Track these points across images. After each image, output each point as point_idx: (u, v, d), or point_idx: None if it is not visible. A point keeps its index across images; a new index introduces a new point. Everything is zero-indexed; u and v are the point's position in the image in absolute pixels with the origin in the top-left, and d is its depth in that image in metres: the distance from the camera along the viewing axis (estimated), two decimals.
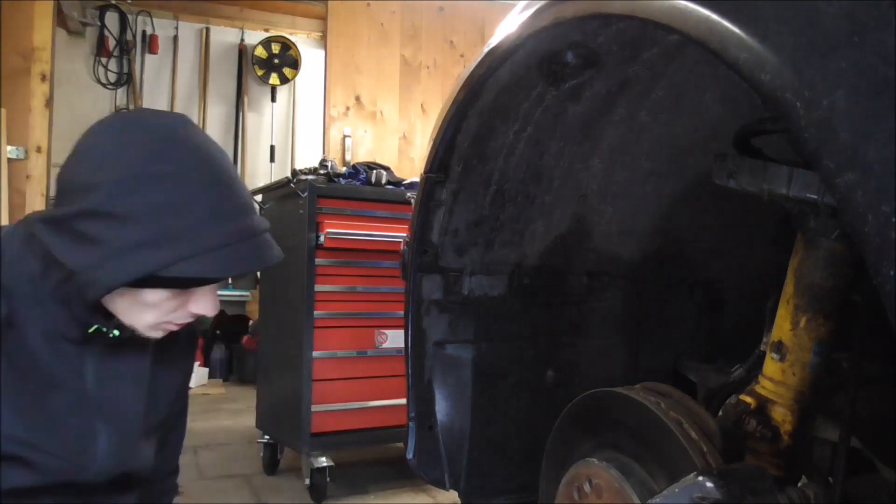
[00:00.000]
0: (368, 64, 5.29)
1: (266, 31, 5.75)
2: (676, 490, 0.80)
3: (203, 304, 0.93)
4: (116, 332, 0.95)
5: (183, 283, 0.88)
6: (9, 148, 3.41)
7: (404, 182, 2.74)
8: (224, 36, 5.70)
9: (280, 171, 5.50)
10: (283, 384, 2.63)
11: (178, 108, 5.48)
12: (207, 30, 5.62)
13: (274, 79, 5.67)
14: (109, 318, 0.93)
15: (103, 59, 5.30)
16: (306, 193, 2.42)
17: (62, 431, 0.96)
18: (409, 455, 1.29)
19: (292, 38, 5.73)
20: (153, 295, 0.88)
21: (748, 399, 0.95)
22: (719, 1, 0.63)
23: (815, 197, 0.80)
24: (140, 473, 1.09)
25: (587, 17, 0.85)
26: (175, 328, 0.96)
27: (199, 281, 0.89)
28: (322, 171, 2.59)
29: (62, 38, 4.92)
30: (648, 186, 1.30)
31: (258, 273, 4.63)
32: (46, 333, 0.93)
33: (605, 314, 1.40)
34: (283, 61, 5.67)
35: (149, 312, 0.90)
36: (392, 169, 2.88)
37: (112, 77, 5.32)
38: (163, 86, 5.48)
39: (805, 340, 0.90)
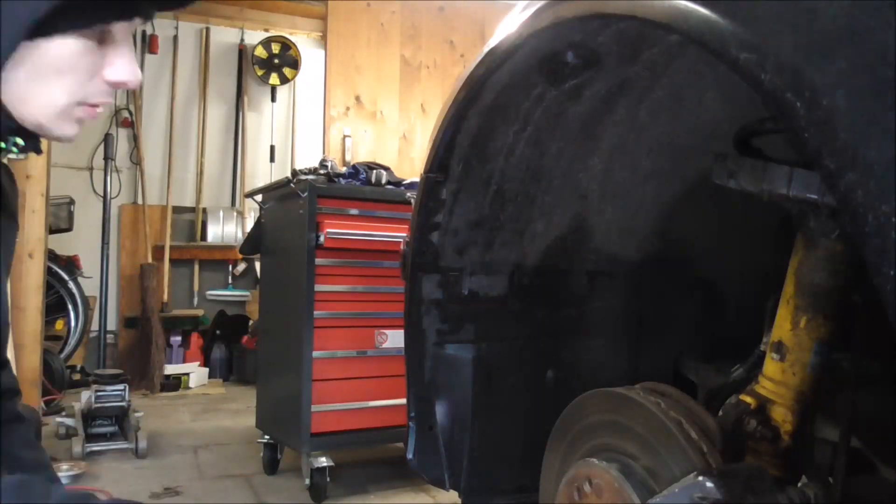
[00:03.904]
0: (368, 64, 5.29)
1: (266, 31, 5.75)
2: (676, 490, 0.80)
3: (121, 65, 0.77)
4: (19, 142, 0.78)
5: (98, 16, 0.73)
6: None
7: (404, 182, 2.74)
8: (224, 36, 5.70)
9: (280, 171, 5.50)
10: (283, 384, 2.63)
11: (178, 108, 5.49)
12: (207, 30, 5.61)
13: (274, 79, 5.67)
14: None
15: None
16: (306, 193, 2.42)
17: None
18: (409, 455, 1.29)
19: (292, 38, 5.73)
20: (62, 46, 0.72)
21: (748, 399, 0.95)
22: (719, 1, 0.63)
23: (815, 197, 0.80)
24: None
25: (587, 17, 0.85)
26: (89, 114, 0.79)
27: (116, 9, 0.74)
28: (322, 171, 2.59)
29: None
30: (648, 186, 1.30)
31: (258, 272, 4.64)
32: None
33: (605, 314, 1.40)
34: (283, 61, 5.67)
35: (57, 83, 0.74)
36: (392, 169, 2.87)
37: None
38: (163, 86, 5.48)
39: (805, 340, 0.90)
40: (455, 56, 5.55)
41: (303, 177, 2.51)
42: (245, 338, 5.01)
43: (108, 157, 5.14)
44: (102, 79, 0.77)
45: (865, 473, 1.00)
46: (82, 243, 4.85)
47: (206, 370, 4.95)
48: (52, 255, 3.97)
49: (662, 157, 1.25)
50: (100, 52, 0.76)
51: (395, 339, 2.57)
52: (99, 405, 3.03)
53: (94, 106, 0.79)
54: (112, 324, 5.11)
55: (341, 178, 2.62)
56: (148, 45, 5.42)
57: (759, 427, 0.91)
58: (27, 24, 0.68)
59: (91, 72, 0.76)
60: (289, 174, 2.57)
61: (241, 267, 5.48)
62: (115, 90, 0.81)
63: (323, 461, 2.41)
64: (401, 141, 5.41)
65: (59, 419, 3.25)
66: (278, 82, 5.69)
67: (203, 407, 4.16)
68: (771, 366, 0.93)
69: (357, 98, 5.30)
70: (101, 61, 0.76)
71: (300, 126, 5.84)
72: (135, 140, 5.33)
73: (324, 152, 5.12)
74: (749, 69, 0.59)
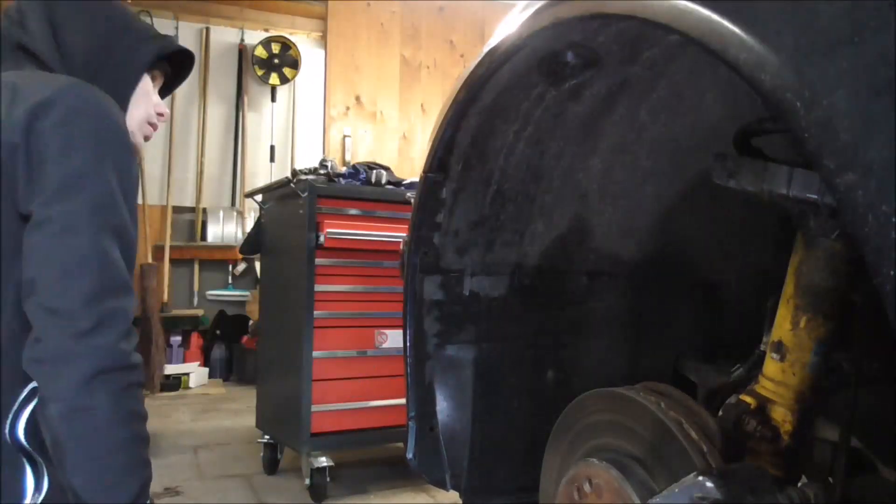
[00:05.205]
0: (368, 64, 5.29)
1: (266, 31, 5.75)
2: (676, 490, 0.80)
3: (159, 100, 1.24)
4: None
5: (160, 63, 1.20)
6: None
7: (404, 182, 2.74)
8: (224, 36, 5.69)
9: (280, 171, 5.50)
10: (283, 384, 2.63)
11: (177, 108, 5.49)
12: (207, 30, 5.61)
13: (274, 79, 5.66)
14: None
15: None
16: (306, 193, 2.42)
17: None
18: (409, 455, 1.29)
19: (292, 38, 5.73)
20: (147, 79, 1.18)
21: (748, 399, 0.94)
22: (719, 1, 0.63)
23: (815, 197, 0.80)
24: None
25: (587, 17, 0.85)
26: (151, 130, 1.22)
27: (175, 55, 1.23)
28: (322, 171, 2.59)
29: None
30: (648, 186, 1.30)
31: (258, 272, 4.64)
32: None
33: (605, 314, 1.40)
34: (283, 61, 5.67)
35: (144, 103, 1.17)
36: (392, 169, 2.88)
37: None
38: None
39: (805, 340, 0.90)
40: (455, 56, 5.55)
41: (303, 177, 2.51)
42: (245, 338, 5.01)
43: None
44: (154, 104, 1.22)
45: (865, 473, 1.00)
46: None
47: (206, 370, 4.95)
48: None
49: (662, 157, 1.25)
50: (153, 89, 1.23)
51: (395, 339, 2.57)
52: None
53: (153, 125, 1.22)
54: None
55: (341, 178, 2.62)
56: None
57: (759, 427, 0.91)
58: (147, 62, 1.16)
59: (154, 100, 1.22)
60: (289, 174, 2.57)
61: (241, 267, 5.48)
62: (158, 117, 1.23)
63: (323, 461, 2.41)
64: (401, 141, 5.41)
65: None
66: (278, 82, 5.69)
67: (203, 407, 4.16)
68: (771, 366, 0.93)
69: (357, 98, 5.30)
70: (154, 94, 1.23)
71: (300, 126, 5.83)
72: None
73: (324, 152, 5.13)
74: (749, 69, 0.59)
